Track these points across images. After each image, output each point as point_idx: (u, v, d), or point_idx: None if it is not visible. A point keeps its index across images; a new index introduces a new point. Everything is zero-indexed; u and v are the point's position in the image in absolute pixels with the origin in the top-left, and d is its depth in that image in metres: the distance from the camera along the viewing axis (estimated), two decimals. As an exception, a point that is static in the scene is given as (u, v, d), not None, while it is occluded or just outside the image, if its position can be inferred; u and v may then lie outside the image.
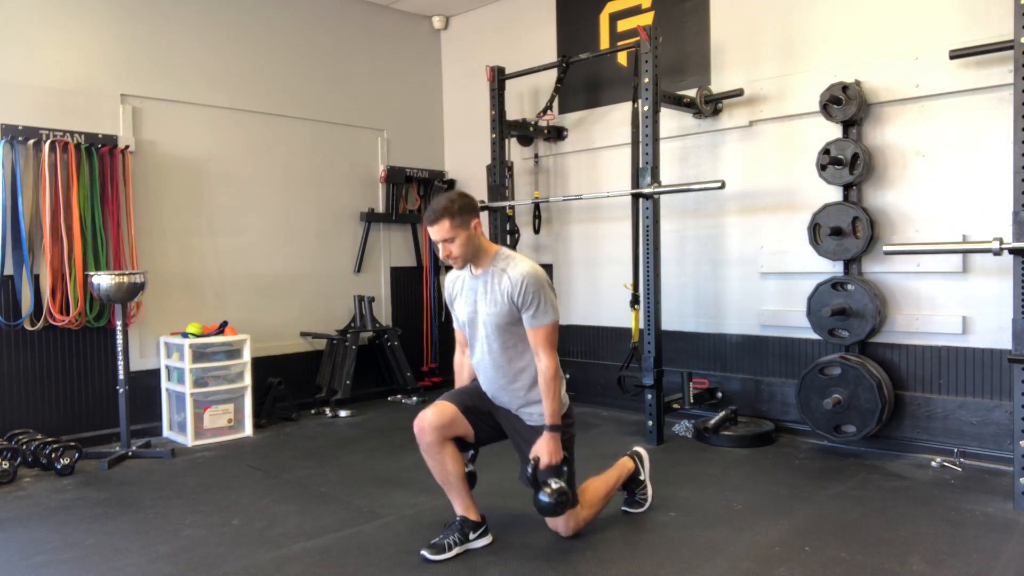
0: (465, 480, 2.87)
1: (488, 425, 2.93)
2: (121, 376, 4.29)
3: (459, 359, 3.11)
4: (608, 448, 4.32)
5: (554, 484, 2.73)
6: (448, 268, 2.95)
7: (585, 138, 5.55)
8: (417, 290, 6.39)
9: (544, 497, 2.73)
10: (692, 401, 4.58)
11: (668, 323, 4.78)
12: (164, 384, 4.84)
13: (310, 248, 5.72)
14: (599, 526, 3.09)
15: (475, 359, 2.93)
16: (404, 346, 5.92)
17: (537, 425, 2.83)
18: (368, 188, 6.09)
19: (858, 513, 3.18)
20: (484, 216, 5.41)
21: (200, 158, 5.10)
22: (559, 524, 2.88)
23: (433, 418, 2.78)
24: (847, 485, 3.57)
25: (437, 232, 2.73)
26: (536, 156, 5.86)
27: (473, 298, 2.86)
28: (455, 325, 3.05)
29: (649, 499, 3.23)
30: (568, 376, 5.63)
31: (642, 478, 3.22)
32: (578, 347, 5.67)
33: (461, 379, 3.09)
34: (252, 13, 5.38)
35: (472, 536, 2.83)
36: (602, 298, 5.50)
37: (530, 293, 2.71)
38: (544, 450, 2.75)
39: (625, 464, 3.19)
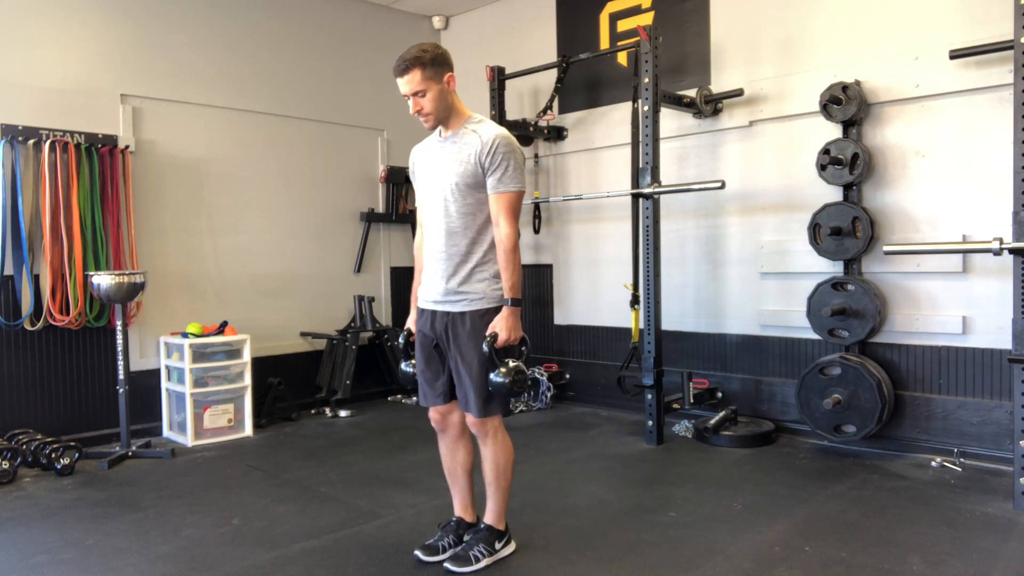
0: (471, 476, 2.85)
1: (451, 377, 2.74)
2: (121, 376, 4.29)
3: (418, 241, 2.88)
4: (608, 448, 4.32)
5: (511, 363, 2.54)
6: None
7: (585, 138, 5.55)
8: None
9: (498, 377, 2.52)
10: (692, 401, 4.58)
11: (668, 323, 4.78)
12: (164, 384, 4.84)
13: (310, 248, 5.72)
14: (599, 526, 3.10)
15: (428, 232, 2.72)
16: (404, 346, 5.91)
17: (478, 309, 2.62)
18: (368, 188, 6.09)
19: (858, 513, 3.18)
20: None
21: (200, 158, 5.10)
22: (477, 424, 2.65)
23: (444, 414, 2.77)
24: (847, 485, 3.57)
25: (407, 83, 2.52)
26: (536, 156, 5.86)
27: (439, 160, 2.66)
28: (417, 203, 2.85)
29: (479, 566, 2.67)
30: (568, 376, 5.65)
31: (497, 546, 2.76)
32: (578, 347, 5.67)
33: (420, 264, 2.85)
34: (252, 13, 5.38)
35: (467, 537, 2.81)
36: (602, 298, 5.50)
37: (499, 154, 2.54)
38: (503, 325, 2.56)
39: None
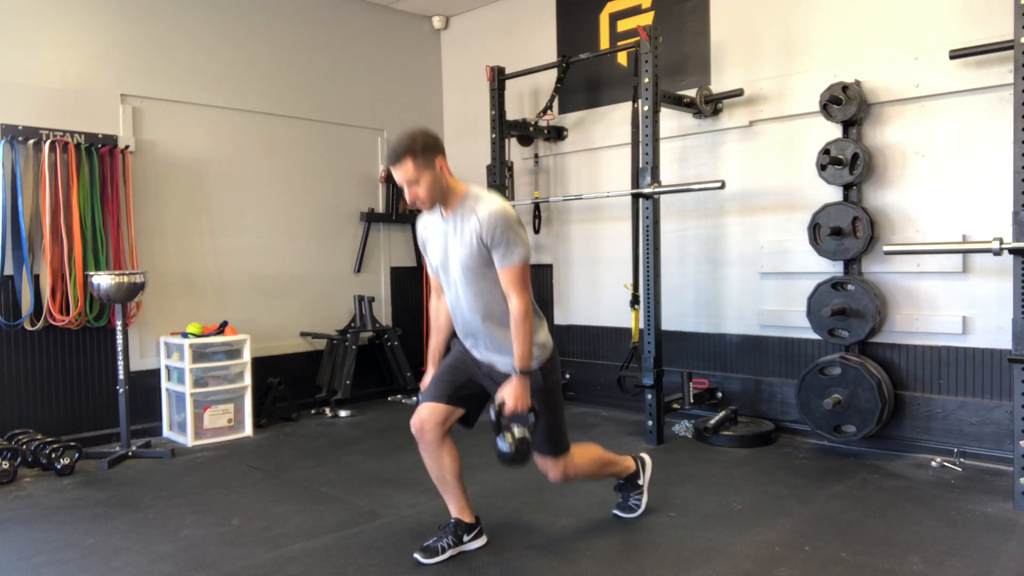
0: (461, 480, 2.85)
1: (476, 394, 2.83)
2: (121, 376, 4.29)
3: (434, 304, 2.98)
4: (608, 448, 4.30)
5: (516, 432, 2.53)
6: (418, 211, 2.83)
7: (585, 138, 5.55)
8: (417, 290, 6.39)
9: (503, 445, 2.52)
10: (692, 401, 4.58)
11: (668, 323, 4.78)
12: (164, 384, 4.84)
13: (310, 248, 5.72)
14: (599, 526, 3.10)
15: (451, 305, 2.81)
16: (404, 346, 5.91)
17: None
18: (368, 188, 6.09)
19: (858, 513, 3.18)
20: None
21: (200, 158, 5.10)
22: (548, 467, 2.81)
23: (430, 416, 2.74)
24: (847, 485, 3.57)
25: (400, 173, 2.58)
26: (536, 156, 5.86)
27: (444, 241, 2.72)
28: (429, 270, 2.92)
29: (642, 507, 3.19)
30: (568, 376, 5.65)
31: (640, 482, 3.19)
32: (578, 347, 5.67)
33: (438, 324, 2.97)
34: (252, 13, 5.38)
35: (466, 538, 2.83)
36: (602, 298, 5.50)
37: (499, 231, 2.56)
38: (510, 394, 2.57)
39: (627, 460, 3.17)
